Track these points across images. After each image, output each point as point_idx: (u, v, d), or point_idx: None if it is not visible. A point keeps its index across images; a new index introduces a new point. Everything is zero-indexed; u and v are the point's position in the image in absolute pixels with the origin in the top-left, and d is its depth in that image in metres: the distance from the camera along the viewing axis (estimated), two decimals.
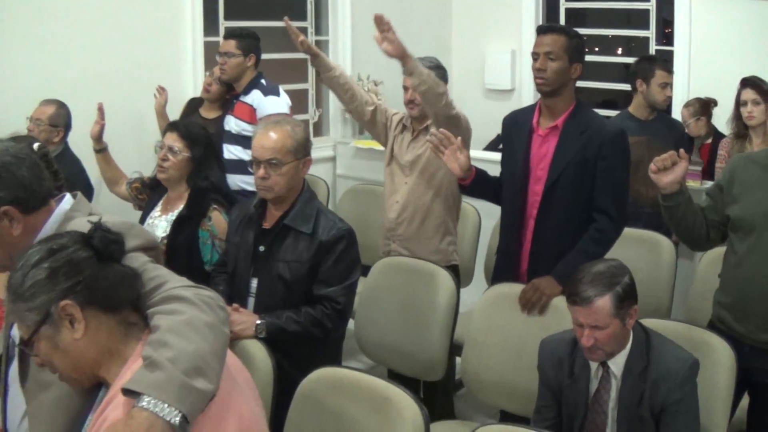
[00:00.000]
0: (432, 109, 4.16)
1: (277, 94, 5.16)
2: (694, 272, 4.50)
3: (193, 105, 5.58)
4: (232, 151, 5.05)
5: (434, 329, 3.94)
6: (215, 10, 6.28)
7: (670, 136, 5.09)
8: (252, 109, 5.08)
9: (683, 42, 6.54)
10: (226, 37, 5.22)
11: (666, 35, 6.95)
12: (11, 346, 2.29)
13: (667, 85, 5.25)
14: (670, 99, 5.38)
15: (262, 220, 3.49)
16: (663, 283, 4.42)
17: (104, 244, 1.90)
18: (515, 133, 3.95)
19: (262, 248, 3.43)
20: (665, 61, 5.61)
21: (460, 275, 4.52)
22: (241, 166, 4.95)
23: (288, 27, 4.53)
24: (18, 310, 1.87)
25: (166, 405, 1.69)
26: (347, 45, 6.97)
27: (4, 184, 2.15)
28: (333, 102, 7.01)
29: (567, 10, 7.53)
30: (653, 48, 6.94)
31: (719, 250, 3.81)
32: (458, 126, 4.15)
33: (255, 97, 5.09)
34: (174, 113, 5.56)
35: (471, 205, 5.08)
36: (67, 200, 2.30)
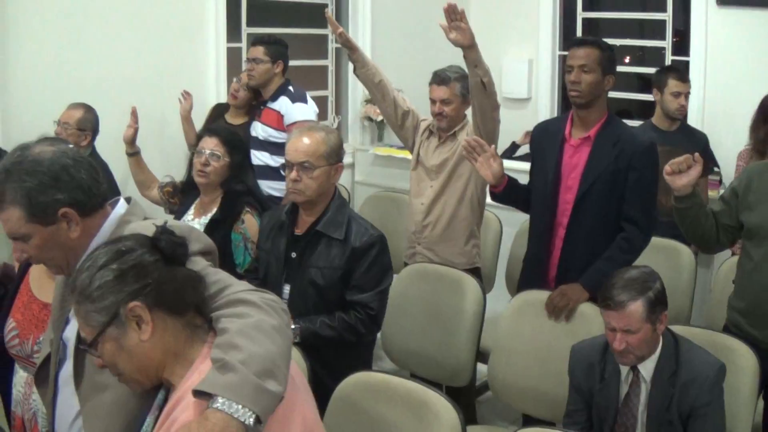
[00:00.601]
0: (480, 100, 4.33)
1: (305, 101, 5.29)
2: (711, 280, 4.61)
3: (219, 110, 5.69)
4: (259, 157, 5.14)
5: (461, 335, 4.05)
6: (238, 17, 6.40)
7: (691, 147, 5.14)
8: (279, 116, 5.20)
9: (699, 52, 6.62)
10: (254, 43, 5.34)
11: (679, 45, 7.04)
12: (62, 348, 2.34)
13: (681, 94, 5.35)
14: (684, 108, 5.44)
15: (294, 227, 3.57)
16: (683, 290, 4.52)
17: (171, 248, 1.96)
18: (546, 142, 4.06)
19: (294, 254, 3.51)
20: (679, 70, 5.70)
21: (482, 279, 4.62)
22: (268, 172, 5.07)
23: (329, 19, 4.66)
24: (84, 310, 1.91)
25: (240, 406, 1.75)
26: (367, 52, 7.02)
27: (63, 186, 2.19)
28: (352, 109, 7.13)
29: (584, 20, 7.62)
30: (669, 58, 7.02)
31: (732, 264, 3.98)
32: (495, 123, 4.36)
33: (283, 104, 5.21)
34: (197, 118, 5.67)
35: (493, 213, 5.19)
36: (122, 204, 2.35)
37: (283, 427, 1.85)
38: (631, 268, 3.22)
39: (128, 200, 2.38)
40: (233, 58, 6.30)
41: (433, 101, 4.60)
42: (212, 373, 1.79)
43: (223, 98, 6.05)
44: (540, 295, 3.89)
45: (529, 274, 4.15)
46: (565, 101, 7.76)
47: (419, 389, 2.87)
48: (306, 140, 3.47)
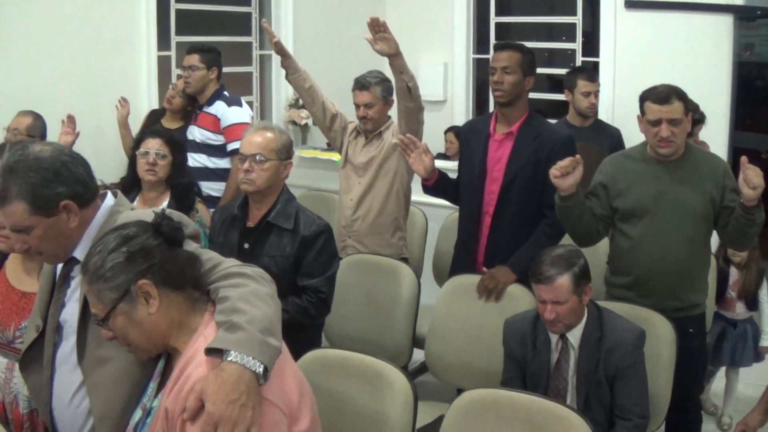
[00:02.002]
0: (405, 104, 4.67)
1: (240, 104, 5.57)
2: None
3: (155, 116, 5.92)
4: (197, 159, 5.39)
5: (398, 318, 4.42)
6: (167, 26, 6.63)
7: (605, 141, 5.60)
8: (216, 119, 5.47)
9: (608, 53, 7.08)
10: (190, 51, 5.59)
11: (587, 47, 7.49)
12: (60, 329, 2.56)
13: (590, 93, 5.78)
14: (594, 106, 5.85)
15: (246, 220, 3.85)
16: (599, 272, 4.90)
17: (171, 232, 2.25)
18: (473, 138, 4.45)
19: (246, 245, 3.79)
20: (587, 71, 6.13)
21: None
22: (206, 173, 5.34)
23: (265, 29, 5.01)
24: (97, 289, 2.18)
25: (250, 358, 2.02)
26: None
27: (65, 180, 2.42)
28: (276, 113, 7.43)
29: (496, 24, 8.02)
30: (579, 59, 7.47)
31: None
32: (419, 124, 4.71)
33: (219, 108, 5.48)
34: (132, 124, 5.90)
35: (419, 209, 5.58)
36: (110, 197, 2.60)
37: (280, 375, 2.13)
38: (558, 246, 3.64)
39: (115, 194, 2.64)
40: (163, 65, 6.53)
41: (357, 106, 4.94)
42: (222, 333, 2.08)
43: (155, 104, 6.29)
44: (471, 279, 4.26)
45: (460, 260, 4.54)
46: (479, 103, 8.18)
47: (374, 362, 3.18)
48: (260, 136, 3.77)
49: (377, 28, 4.51)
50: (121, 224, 2.33)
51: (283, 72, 6.83)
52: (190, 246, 2.36)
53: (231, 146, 5.41)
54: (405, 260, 4.89)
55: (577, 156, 3.79)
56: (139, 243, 2.19)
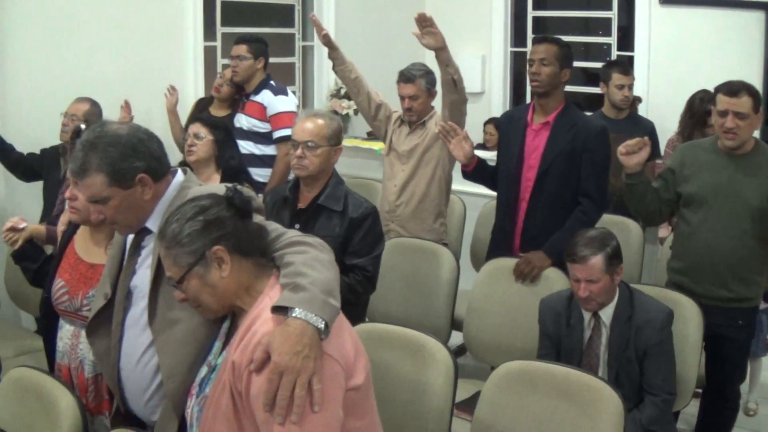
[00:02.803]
0: (450, 96, 4.87)
1: (286, 93, 5.81)
2: (658, 252, 5.24)
3: (202, 104, 6.16)
4: (244, 146, 5.59)
5: (439, 300, 4.63)
6: (213, 18, 6.88)
7: (637, 133, 5.76)
8: (263, 107, 5.70)
9: (643, 48, 7.28)
10: (238, 42, 5.81)
11: (622, 41, 7.69)
12: (130, 295, 2.81)
13: (624, 86, 5.98)
14: (627, 99, 6.03)
15: (297, 202, 4.07)
16: (633, 260, 5.11)
17: (243, 204, 2.46)
18: (511, 127, 4.68)
19: (297, 226, 3.95)
20: (622, 65, 6.32)
21: None
22: (252, 160, 5.57)
23: (314, 22, 5.18)
24: (174, 254, 2.39)
25: (313, 315, 2.23)
26: None
27: (141, 155, 2.66)
28: (318, 103, 7.69)
29: (534, 18, 8.24)
30: (614, 53, 7.67)
31: None
32: (462, 116, 4.91)
33: (265, 97, 5.71)
34: (180, 112, 6.16)
35: (458, 197, 5.80)
36: (180, 173, 2.83)
37: (338, 333, 2.34)
38: (592, 229, 3.85)
39: (184, 171, 2.87)
40: (209, 55, 6.79)
41: (402, 98, 5.16)
42: (287, 293, 2.29)
43: (201, 93, 6.55)
44: (507, 262, 4.49)
45: (497, 244, 4.76)
46: (516, 95, 8.38)
47: (416, 335, 3.39)
48: (311, 123, 3.97)
49: (424, 23, 4.71)
50: (195, 196, 2.53)
51: (325, 63, 7.09)
52: (257, 218, 2.58)
53: (277, 134, 5.65)
54: (445, 245, 5.07)
55: (645, 138, 4.01)
56: (214, 213, 2.40)
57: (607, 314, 3.69)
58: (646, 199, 4.14)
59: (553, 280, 4.32)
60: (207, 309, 2.44)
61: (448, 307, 4.65)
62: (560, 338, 3.79)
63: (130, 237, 2.86)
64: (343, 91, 7.56)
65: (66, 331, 3.29)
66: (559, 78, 4.49)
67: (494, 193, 4.95)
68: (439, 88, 5.09)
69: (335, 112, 7.51)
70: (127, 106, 5.40)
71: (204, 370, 2.54)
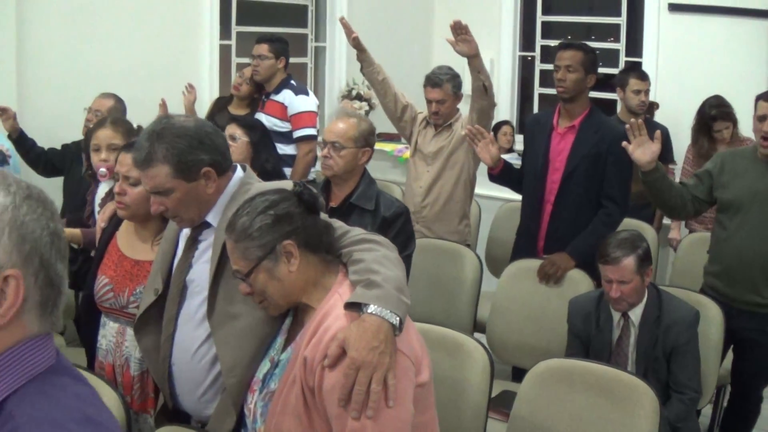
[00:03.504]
0: (480, 102, 4.97)
1: (307, 93, 5.91)
2: (669, 256, 5.37)
3: (221, 103, 6.22)
4: None
5: (462, 300, 4.72)
6: (229, 16, 6.99)
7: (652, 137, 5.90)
8: (283, 107, 5.79)
9: (651, 54, 7.39)
10: (259, 41, 5.89)
11: (629, 47, 7.81)
12: (185, 289, 2.85)
13: (641, 91, 6.09)
14: (644, 104, 6.14)
15: (329, 201, 4.13)
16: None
17: (311, 200, 2.51)
18: (537, 131, 4.79)
19: None
20: (639, 70, 6.43)
21: None
22: None
23: (343, 24, 5.28)
24: (243, 247, 2.44)
25: (388, 311, 2.27)
26: (343, 51, 7.76)
27: (207, 149, 2.70)
28: (329, 103, 7.77)
29: (543, 23, 8.37)
30: (623, 59, 7.80)
31: (691, 238, 4.97)
32: (490, 120, 5.03)
33: (286, 96, 5.80)
34: (198, 111, 6.18)
35: (474, 200, 5.87)
36: (240, 170, 2.88)
37: (407, 332, 2.41)
38: (622, 231, 3.96)
39: (244, 168, 2.92)
40: (224, 54, 6.89)
41: (429, 101, 5.25)
42: (360, 289, 2.35)
43: (216, 91, 6.65)
44: (532, 263, 4.59)
45: (521, 245, 4.88)
46: (523, 98, 8.50)
47: (453, 333, 3.47)
48: (340, 124, 4.05)
49: (459, 30, 4.81)
50: (263, 191, 2.58)
51: (336, 63, 7.20)
52: (322, 215, 2.63)
53: (298, 133, 5.75)
54: (468, 246, 5.17)
55: (657, 132, 4.11)
56: (284, 208, 2.45)
57: (636, 314, 3.79)
58: (666, 194, 4.20)
59: (577, 282, 4.43)
60: (272, 303, 2.49)
61: (472, 307, 4.74)
62: (589, 338, 3.90)
63: (185, 232, 2.91)
64: (354, 92, 7.66)
65: (110, 329, 3.28)
66: (584, 83, 4.61)
67: (509, 197, 5.06)
68: (465, 90, 5.21)
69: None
70: (164, 105, 5.43)
71: (267, 366, 2.59)
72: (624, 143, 4.10)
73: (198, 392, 2.84)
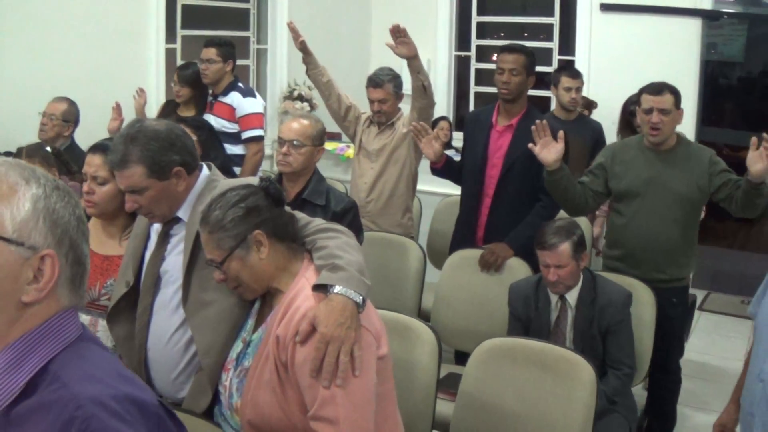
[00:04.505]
0: (420, 101, 5.27)
1: (254, 95, 6.16)
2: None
3: (170, 107, 6.43)
4: None
5: (407, 290, 5.01)
6: (174, 21, 7.17)
7: (587, 133, 6.28)
8: (232, 109, 6.03)
9: (583, 52, 7.80)
10: (207, 45, 6.11)
11: (561, 46, 8.20)
12: (158, 280, 3.08)
13: (571, 89, 6.46)
14: (575, 101, 6.51)
15: None
16: None
17: (277, 194, 2.81)
18: (477, 127, 5.13)
19: None
20: (570, 69, 6.82)
21: None
22: None
23: (291, 29, 5.55)
24: (217, 238, 2.70)
25: (353, 291, 2.58)
26: (284, 53, 8.04)
27: (178, 150, 2.95)
28: (271, 104, 8.01)
29: (478, 23, 8.70)
30: (555, 58, 8.18)
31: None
32: (430, 118, 5.35)
33: (234, 98, 6.03)
34: (147, 114, 6.37)
35: (415, 195, 6.19)
36: (206, 169, 3.14)
37: (368, 310, 2.70)
38: (559, 219, 4.31)
39: (209, 166, 3.18)
40: (169, 58, 7.08)
41: (371, 101, 5.54)
42: (326, 273, 2.63)
43: (163, 93, 6.85)
44: (472, 253, 4.92)
45: (461, 236, 5.22)
46: (459, 96, 8.84)
47: (402, 317, 3.75)
48: (297, 123, 4.34)
49: (398, 33, 5.11)
50: (233, 186, 2.85)
51: (278, 65, 7.47)
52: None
53: (246, 134, 6.00)
54: (412, 238, 5.46)
55: (560, 132, 4.45)
56: (254, 201, 2.73)
57: (572, 297, 4.14)
58: (569, 192, 4.57)
59: (516, 269, 4.76)
60: (246, 288, 2.77)
61: (417, 296, 5.03)
62: (529, 319, 4.22)
63: (156, 227, 3.15)
64: (296, 93, 7.92)
65: (83, 321, 3.51)
66: (525, 85, 4.96)
67: (449, 191, 5.38)
68: (405, 90, 5.51)
69: (286, 113, 7.86)
70: (118, 107, 5.67)
71: (240, 346, 2.85)
72: (530, 144, 4.44)
73: (172, 375, 3.05)
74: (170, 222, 3.10)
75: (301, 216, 2.96)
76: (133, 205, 3.00)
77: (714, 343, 6.76)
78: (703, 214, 5.42)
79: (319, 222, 2.93)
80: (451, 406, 3.78)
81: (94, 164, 3.47)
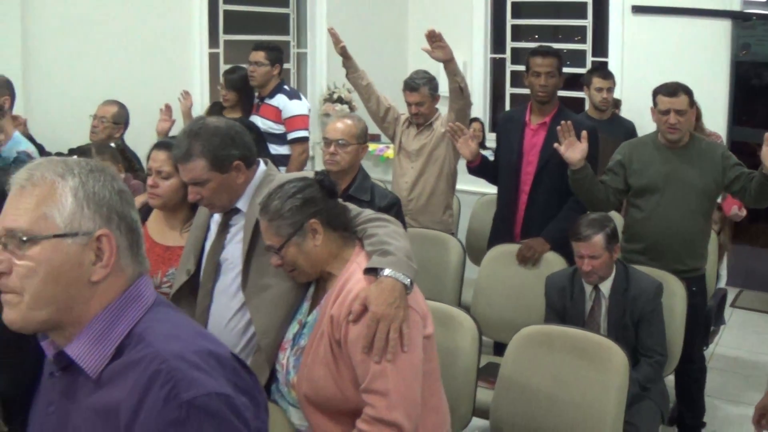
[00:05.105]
0: (458, 103, 5.46)
1: (299, 98, 6.40)
2: None
3: (216, 108, 6.65)
4: None
5: (448, 284, 5.21)
6: (216, 26, 7.44)
7: (620, 132, 6.46)
8: (278, 110, 6.27)
9: (616, 54, 8.00)
10: (256, 48, 6.35)
11: (595, 48, 8.39)
12: (218, 267, 3.30)
13: (602, 89, 6.67)
14: (606, 101, 6.72)
15: None
16: None
17: (331, 186, 3.05)
18: (510, 127, 5.36)
19: None
20: (602, 70, 7.03)
21: None
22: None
23: (332, 34, 5.77)
24: (276, 225, 2.91)
25: (401, 274, 2.77)
26: (324, 57, 8.32)
27: (238, 144, 3.17)
28: (311, 108, 8.18)
29: (512, 26, 8.91)
30: (589, 60, 8.37)
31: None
32: (467, 118, 5.56)
33: (280, 100, 6.28)
34: (193, 115, 6.60)
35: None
36: (262, 164, 3.37)
37: (415, 291, 2.92)
38: (592, 213, 4.51)
39: (266, 162, 3.41)
40: (212, 62, 7.36)
41: (409, 104, 5.73)
42: (376, 257, 2.86)
43: (206, 96, 7.11)
44: (510, 247, 5.14)
45: (498, 232, 5.44)
46: (495, 98, 9.04)
47: (444, 306, 3.97)
48: (342, 123, 4.54)
49: (434, 38, 5.32)
50: (291, 178, 3.08)
51: (318, 69, 7.69)
52: None
53: (292, 135, 6.25)
54: (452, 234, 5.67)
55: (584, 133, 4.64)
56: (310, 192, 2.97)
57: (606, 287, 4.35)
58: (592, 190, 4.79)
59: (552, 262, 4.97)
60: (302, 272, 3.00)
61: (456, 289, 5.23)
62: (565, 309, 4.44)
63: (216, 218, 3.39)
64: (335, 96, 8.15)
65: None
66: (559, 86, 5.19)
67: (485, 190, 5.58)
68: (441, 92, 5.72)
69: (327, 115, 8.11)
70: (167, 110, 5.87)
71: (296, 327, 3.08)
72: (555, 144, 4.67)
73: None
74: (229, 213, 3.32)
75: (352, 207, 3.18)
76: (195, 197, 3.23)
77: (745, 339, 6.95)
78: (744, 213, 5.68)
79: (368, 212, 3.15)
80: (490, 394, 3.99)
81: (159, 160, 3.73)
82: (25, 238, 1.70)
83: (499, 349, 5.10)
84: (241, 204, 3.28)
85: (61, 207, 1.72)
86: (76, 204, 1.73)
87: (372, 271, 2.85)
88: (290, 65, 8.29)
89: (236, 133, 3.23)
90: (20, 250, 1.70)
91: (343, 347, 2.80)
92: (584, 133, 4.64)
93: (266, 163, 3.41)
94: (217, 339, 1.86)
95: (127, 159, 5.07)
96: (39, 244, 1.70)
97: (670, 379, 4.82)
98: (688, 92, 4.72)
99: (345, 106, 8.06)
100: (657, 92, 4.82)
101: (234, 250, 3.29)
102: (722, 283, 6.17)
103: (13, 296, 1.71)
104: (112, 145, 4.92)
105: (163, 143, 3.82)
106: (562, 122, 4.71)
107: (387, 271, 2.81)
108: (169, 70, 6.91)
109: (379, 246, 2.91)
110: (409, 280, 2.83)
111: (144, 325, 1.77)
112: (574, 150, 4.63)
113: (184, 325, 1.84)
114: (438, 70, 5.70)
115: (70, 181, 1.74)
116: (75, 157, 1.89)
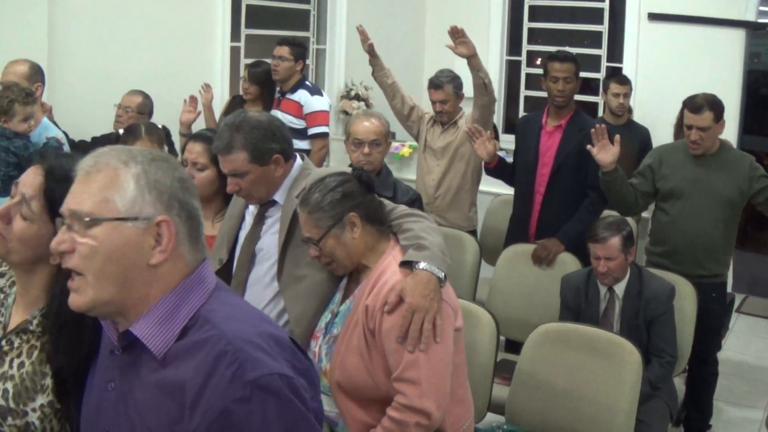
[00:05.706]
0: (482, 99, 5.59)
1: (321, 94, 6.55)
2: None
3: (237, 101, 6.74)
4: None
5: (464, 281, 5.30)
6: (238, 20, 7.56)
7: (635, 138, 6.63)
8: (299, 106, 6.40)
9: (631, 60, 8.15)
10: (280, 43, 6.47)
11: (610, 53, 8.54)
12: (253, 257, 3.41)
13: (619, 95, 6.84)
14: (622, 106, 6.90)
15: None
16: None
17: (369, 181, 3.18)
18: (528, 129, 5.52)
19: None
20: (619, 76, 7.20)
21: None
22: None
23: (360, 32, 5.88)
24: (316, 217, 3.00)
25: (436, 267, 2.89)
26: (342, 53, 8.46)
27: (277, 139, 3.27)
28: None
29: (529, 29, 9.05)
30: (604, 65, 8.52)
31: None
32: (491, 115, 5.69)
33: (302, 96, 6.41)
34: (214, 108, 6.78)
35: None
36: (299, 159, 3.50)
37: (448, 285, 3.04)
38: (609, 216, 4.68)
39: (302, 157, 3.54)
40: (233, 55, 7.49)
41: (433, 102, 5.84)
42: (412, 251, 2.97)
43: (227, 90, 7.23)
44: (525, 248, 5.29)
45: (514, 232, 5.59)
46: (509, 99, 9.17)
47: (463, 302, 3.92)
48: (370, 123, 4.63)
49: (457, 34, 5.47)
50: (330, 173, 3.19)
51: (336, 65, 7.80)
52: None
53: (313, 130, 6.38)
54: (475, 232, 5.79)
55: (617, 136, 4.77)
56: (349, 187, 3.10)
57: (620, 288, 4.50)
58: (622, 192, 4.93)
59: (567, 263, 5.12)
60: (339, 264, 3.12)
61: (472, 287, 5.36)
62: (579, 309, 4.59)
63: (251, 209, 3.51)
64: (353, 93, 8.28)
65: None
66: (576, 90, 5.34)
67: (500, 191, 5.72)
68: (464, 91, 5.84)
69: (345, 112, 8.26)
70: (192, 101, 5.93)
71: (328, 316, 3.19)
72: (588, 146, 4.79)
73: None
74: (266, 204, 3.45)
75: (387, 202, 3.30)
76: (234, 188, 3.35)
77: (750, 344, 7.12)
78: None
79: (403, 208, 3.27)
80: (505, 390, 4.14)
81: (194, 151, 3.88)
82: (87, 219, 1.78)
83: (511, 346, 5.25)
84: (278, 196, 3.40)
85: (123, 192, 1.79)
86: (138, 190, 1.80)
87: (407, 264, 2.96)
88: (309, 61, 8.36)
89: (277, 128, 3.35)
90: (83, 230, 1.78)
91: (377, 336, 2.92)
92: (617, 137, 4.77)
93: (302, 158, 3.54)
94: (275, 323, 1.99)
95: (170, 143, 5.19)
96: (100, 226, 1.78)
97: (677, 381, 4.95)
98: (714, 108, 4.83)
99: (362, 104, 8.18)
100: (684, 105, 4.98)
101: (270, 241, 3.41)
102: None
103: (78, 280, 1.81)
104: (160, 126, 5.02)
105: (200, 135, 3.95)
106: (597, 125, 4.83)
107: (422, 265, 2.92)
108: (191, 62, 7.03)
109: (414, 240, 3.03)
110: (443, 273, 2.96)
111: (208, 308, 1.85)
112: (606, 152, 4.75)
113: (245, 308, 1.95)
114: (460, 71, 5.83)
115: (133, 168, 1.82)
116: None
